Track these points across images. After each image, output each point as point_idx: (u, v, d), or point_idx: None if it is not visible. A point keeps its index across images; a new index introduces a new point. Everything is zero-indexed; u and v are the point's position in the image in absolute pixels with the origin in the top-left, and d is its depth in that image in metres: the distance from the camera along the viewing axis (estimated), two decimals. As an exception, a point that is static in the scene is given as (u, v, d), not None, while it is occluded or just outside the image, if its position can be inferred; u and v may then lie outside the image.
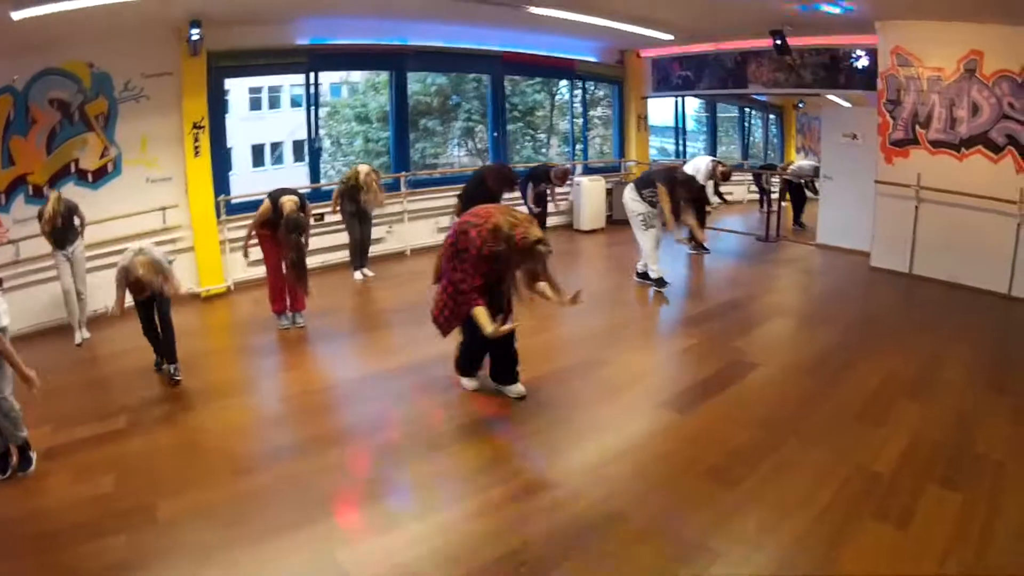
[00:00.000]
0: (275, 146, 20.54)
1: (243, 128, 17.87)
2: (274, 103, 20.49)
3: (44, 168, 6.67)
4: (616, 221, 10.45)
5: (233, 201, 7.59)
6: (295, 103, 18.92)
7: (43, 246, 5.98)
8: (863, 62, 8.39)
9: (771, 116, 16.06)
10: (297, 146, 19.32)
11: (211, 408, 4.37)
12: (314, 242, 6.68)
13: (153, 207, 7.07)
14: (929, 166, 7.33)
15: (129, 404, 4.40)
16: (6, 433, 3.47)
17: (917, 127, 7.39)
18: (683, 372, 4.77)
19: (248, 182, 9.87)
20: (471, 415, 4.05)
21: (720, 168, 8.46)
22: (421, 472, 3.36)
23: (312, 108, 8.33)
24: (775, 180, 10.77)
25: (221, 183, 7.48)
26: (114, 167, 6.99)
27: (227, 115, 8.06)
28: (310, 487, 3.24)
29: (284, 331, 5.91)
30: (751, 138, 15.86)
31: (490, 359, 4.28)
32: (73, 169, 6.81)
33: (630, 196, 6.65)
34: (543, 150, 16.60)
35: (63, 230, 5.87)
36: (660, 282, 6.72)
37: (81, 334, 6.08)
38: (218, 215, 7.37)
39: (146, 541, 2.85)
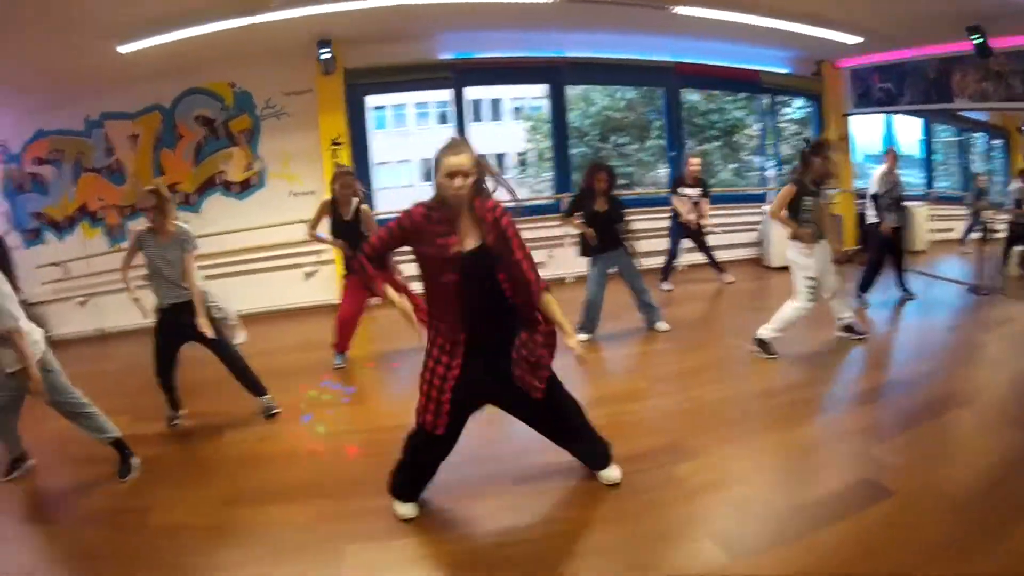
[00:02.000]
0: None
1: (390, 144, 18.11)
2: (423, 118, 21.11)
3: (192, 179, 7.40)
4: None
5: (377, 217, 7.40)
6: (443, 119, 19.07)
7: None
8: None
9: (995, 141, 12.85)
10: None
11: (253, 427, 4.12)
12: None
13: (296, 219, 7.12)
14: None
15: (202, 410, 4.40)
16: (90, 434, 3.53)
17: None
18: (782, 486, 3.15)
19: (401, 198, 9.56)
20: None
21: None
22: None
23: (458, 123, 7.92)
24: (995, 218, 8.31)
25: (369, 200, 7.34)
26: (259, 180, 7.40)
27: (372, 131, 7.94)
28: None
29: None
30: (971, 167, 12.77)
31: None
32: (219, 181, 7.35)
33: None
34: (747, 174, 14.51)
35: None
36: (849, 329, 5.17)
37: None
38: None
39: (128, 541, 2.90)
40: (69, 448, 3.83)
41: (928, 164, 11.50)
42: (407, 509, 2.89)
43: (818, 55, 9.01)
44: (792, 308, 4.79)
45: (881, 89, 8.90)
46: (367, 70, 7.13)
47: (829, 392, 4.33)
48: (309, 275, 7.22)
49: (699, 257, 7.49)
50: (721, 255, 7.73)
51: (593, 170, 5.31)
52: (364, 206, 5.00)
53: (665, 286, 7.15)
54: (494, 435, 3.52)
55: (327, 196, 5.05)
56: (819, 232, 4.78)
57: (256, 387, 4.20)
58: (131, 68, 6.37)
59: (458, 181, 2.51)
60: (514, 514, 2.86)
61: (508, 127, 21.51)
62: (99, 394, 3.69)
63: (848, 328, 5.12)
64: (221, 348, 4.07)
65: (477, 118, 22.62)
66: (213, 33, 5.78)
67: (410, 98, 20.39)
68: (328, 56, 6.74)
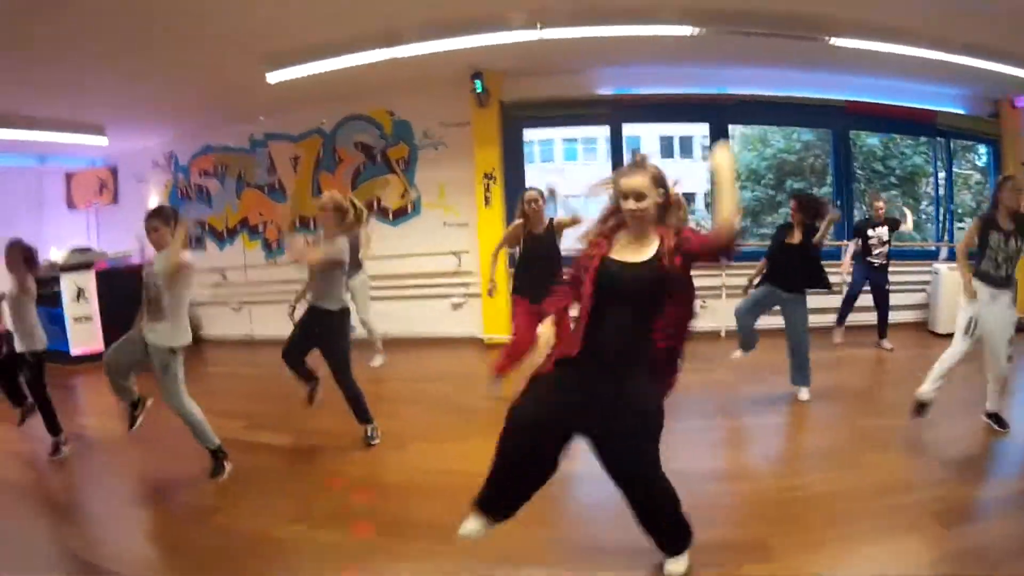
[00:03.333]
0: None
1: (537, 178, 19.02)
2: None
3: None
4: None
5: None
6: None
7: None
8: None
9: None
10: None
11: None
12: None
13: (447, 250, 7.42)
14: None
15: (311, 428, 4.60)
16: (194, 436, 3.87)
17: None
18: None
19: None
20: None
21: None
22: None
23: (613, 160, 7.81)
24: None
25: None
26: (413, 208, 7.63)
27: (528, 164, 7.96)
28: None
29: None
30: None
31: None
32: (375, 206, 7.61)
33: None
34: (929, 226, 13.33)
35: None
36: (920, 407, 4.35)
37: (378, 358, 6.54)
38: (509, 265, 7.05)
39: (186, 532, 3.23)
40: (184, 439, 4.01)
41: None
42: (470, 523, 2.65)
43: (994, 93, 8.32)
44: (947, 353, 4.27)
45: None
46: (523, 104, 7.17)
47: (968, 496, 3.48)
48: (457, 306, 7.36)
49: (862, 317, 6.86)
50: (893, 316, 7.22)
51: (798, 201, 5.08)
52: (557, 219, 5.07)
53: (837, 336, 6.66)
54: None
55: (517, 221, 5.05)
56: (1003, 279, 4.23)
57: (362, 415, 4.29)
58: (292, 92, 6.66)
59: (631, 203, 2.44)
60: None
61: (682, 165, 21.63)
62: (227, 395, 3.94)
63: (993, 416, 4.39)
64: (338, 370, 4.20)
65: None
66: (361, 65, 5.96)
67: (558, 133, 20.38)
68: (481, 90, 6.82)
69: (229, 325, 8.30)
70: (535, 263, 4.95)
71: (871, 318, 6.79)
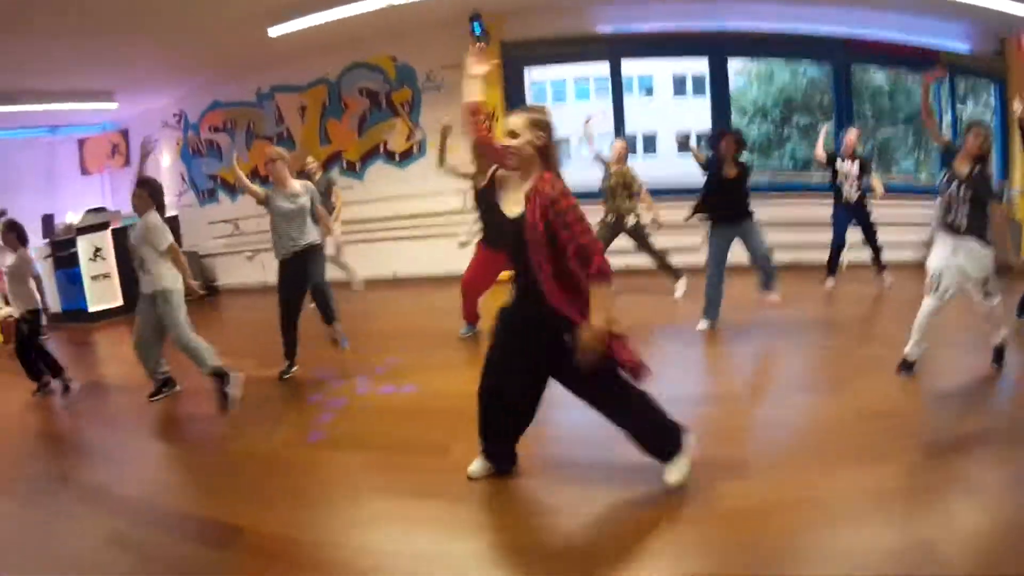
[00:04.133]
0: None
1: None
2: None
3: (356, 147, 7.96)
4: None
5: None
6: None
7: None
8: None
9: None
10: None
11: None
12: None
13: (454, 189, 7.45)
14: None
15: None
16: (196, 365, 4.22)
17: None
18: (825, 530, 2.59)
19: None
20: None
21: None
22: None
23: (617, 101, 7.85)
24: None
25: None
26: (419, 149, 7.84)
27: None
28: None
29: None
30: None
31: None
32: (382, 150, 7.86)
33: None
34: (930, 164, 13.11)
35: None
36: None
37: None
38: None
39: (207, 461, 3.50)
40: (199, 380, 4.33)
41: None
42: (474, 465, 2.92)
43: (1000, 30, 8.26)
44: (921, 309, 4.22)
45: None
46: (524, 43, 7.29)
47: (947, 428, 3.48)
48: (464, 244, 7.55)
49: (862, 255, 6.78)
50: (887, 255, 7.28)
51: (720, 135, 5.27)
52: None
53: (829, 283, 6.58)
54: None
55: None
56: (959, 227, 4.12)
57: (330, 315, 4.91)
58: (298, 44, 6.88)
59: (508, 140, 2.54)
60: (555, 502, 2.80)
61: (691, 103, 21.16)
62: (240, 337, 4.16)
63: (998, 351, 4.33)
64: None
65: (649, 93, 22.29)
66: (361, 13, 6.16)
67: (570, 72, 20.32)
68: (478, 31, 6.91)
69: (245, 274, 8.56)
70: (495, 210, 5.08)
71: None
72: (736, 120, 14.61)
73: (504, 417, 2.84)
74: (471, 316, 5.35)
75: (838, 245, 6.62)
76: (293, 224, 4.48)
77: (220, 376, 4.03)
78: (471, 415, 2.88)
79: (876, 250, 6.54)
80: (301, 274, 4.59)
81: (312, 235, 4.61)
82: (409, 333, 5.70)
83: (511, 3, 6.84)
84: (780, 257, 5.67)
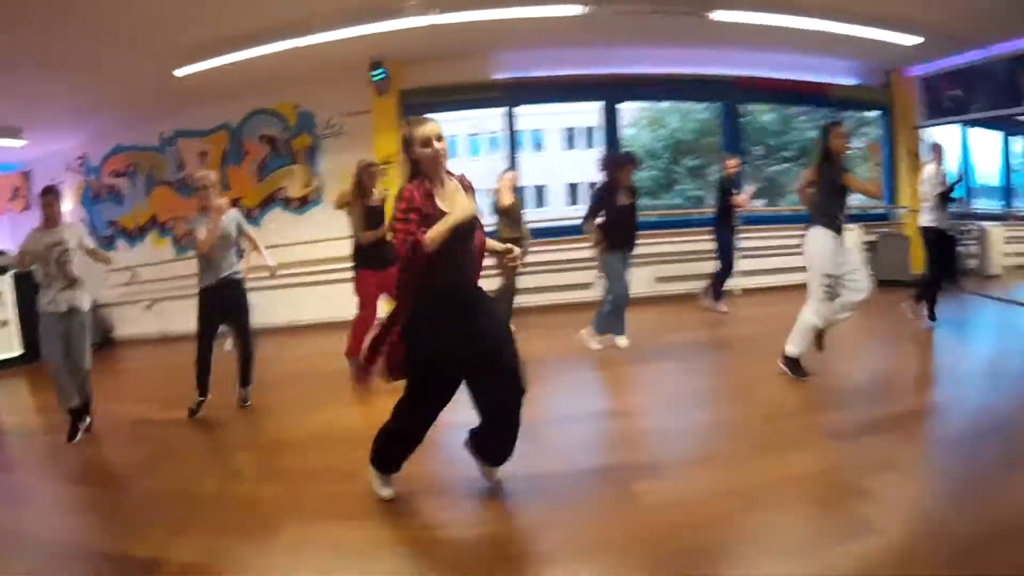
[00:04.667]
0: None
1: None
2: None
3: (255, 194, 7.93)
4: (879, 282, 8.51)
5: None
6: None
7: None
8: None
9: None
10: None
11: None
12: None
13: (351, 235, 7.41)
14: None
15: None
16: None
17: None
18: (741, 516, 2.73)
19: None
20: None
21: None
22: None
23: (513, 146, 8.12)
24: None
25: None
26: (317, 196, 7.83)
27: None
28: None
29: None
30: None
31: (480, 413, 2.98)
32: (279, 196, 7.88)
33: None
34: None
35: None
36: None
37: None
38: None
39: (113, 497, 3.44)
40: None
41: (1007, 180, 10.58)
42: (383, 487, 3.01)
43: (884, 64, 8.74)
44: (806, 314, 4.45)
45: (951, 97, 8.42)
46: (421, 90, 7.43)
47: (843, 418, 3.77)
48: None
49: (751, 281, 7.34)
50: (777, 279, 7.63)
51: (621, 161, 5.40)
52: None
53: (722, 307, 6.94)
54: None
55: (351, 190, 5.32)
56: (844, 221, 4.50)
57: (248, 378, 4.72)
58: (202, 88, 6.92)
59: (438, 144, 2.67)
60: (457, 510, 2.95)
61: (580, 155, 21.93)
62: (141, 386, 4.09)
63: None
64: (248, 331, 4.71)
65: (538, 147, 23.11)
66: (267, 56, 6.22)
67: (462, 128, 20.82)
68: (379, 78, 7.09)
69: (142, 324, 8.35)
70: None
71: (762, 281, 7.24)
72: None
73: (418, 440, 2.95)
74: (358, 352, 5.12)
75: (730, 263, 6.99)
76: (220, 251, 4.43)
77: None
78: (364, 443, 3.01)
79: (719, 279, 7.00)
80: (224, 305, 4.52)
81: (237, 267, 4.60)
82: (306, 374, 5.74)
83: (410, 51, 6.98)
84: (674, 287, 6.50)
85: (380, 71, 7.08)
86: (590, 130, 20.30)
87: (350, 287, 5.46)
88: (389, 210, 4.95)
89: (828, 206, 4.44)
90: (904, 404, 4.07)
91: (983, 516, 2.57)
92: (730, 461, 3.20)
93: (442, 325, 2.72)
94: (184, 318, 7.43)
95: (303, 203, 7.76)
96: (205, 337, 4.53)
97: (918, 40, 7.22)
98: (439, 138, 2.68)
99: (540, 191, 23.30)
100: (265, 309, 7.16)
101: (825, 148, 4.43)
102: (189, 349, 4.61)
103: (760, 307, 7.19)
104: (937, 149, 6.21)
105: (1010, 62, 7.46)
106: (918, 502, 2.79)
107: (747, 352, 5.51)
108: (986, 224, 8.83)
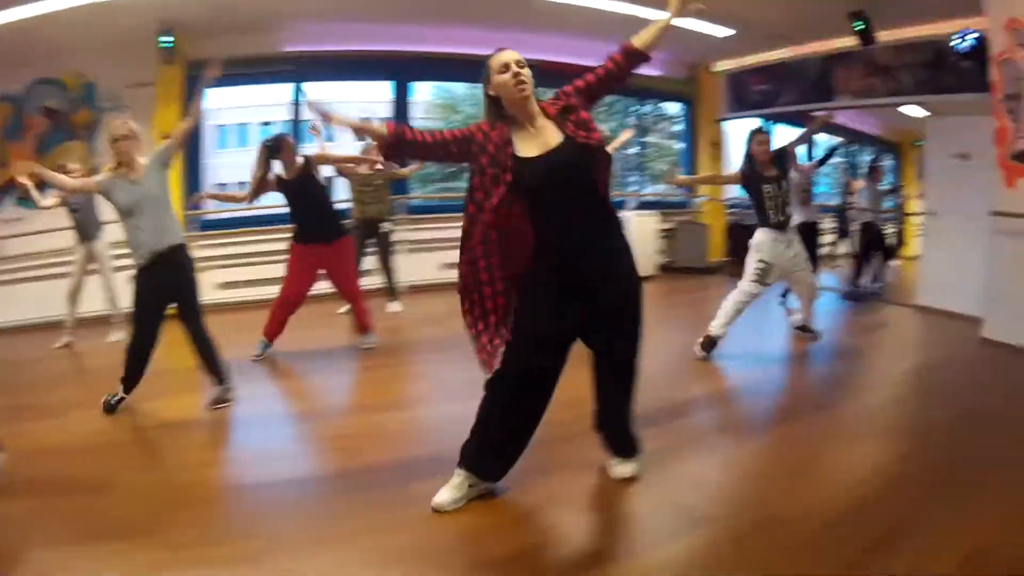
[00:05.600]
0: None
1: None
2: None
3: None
4: (675, 269, 9.07)
5: (206, 217, 7.66)
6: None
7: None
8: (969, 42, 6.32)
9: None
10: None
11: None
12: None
13: None
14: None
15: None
16: None
17: (1052, 129, 5.38)
18: (546, 514, 2.71)
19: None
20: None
21: None
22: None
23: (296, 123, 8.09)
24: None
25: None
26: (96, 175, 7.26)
27: (210, 124, 8.05)
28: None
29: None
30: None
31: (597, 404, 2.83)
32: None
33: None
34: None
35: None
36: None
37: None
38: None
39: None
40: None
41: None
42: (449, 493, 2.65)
43: (692, 57, 9.17)
44: (737, 294, 4.98)
45: (758, 92, 8.97)
46: (208, 62, 7.06)
47: (656, 405, 3.76)
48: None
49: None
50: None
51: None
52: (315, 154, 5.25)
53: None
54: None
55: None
56: (785, 222, 4.98)
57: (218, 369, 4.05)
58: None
59: (510, 75, 2.43)
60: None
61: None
62: None
63: (802, 328, 5.49)
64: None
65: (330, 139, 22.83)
66: (50, 18, 5.94)
67: (254, 116, 20.21)
68: (169, 45, 6.90)
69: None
70: (299, 209, 5.02)
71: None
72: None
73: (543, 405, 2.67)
74: (276, 332, 5.06)
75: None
76: (143, 218, 3.77)
77: None
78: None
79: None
80: (161, 286, 3.85)
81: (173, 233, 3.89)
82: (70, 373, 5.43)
83: (199, 19, 6.80)
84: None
85: (167, 38, 6.90)
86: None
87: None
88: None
89: (756, 206, 5.01)
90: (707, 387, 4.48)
91: (813, 500, 2.72)
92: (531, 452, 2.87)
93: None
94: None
95: (83, 182, 7.44)
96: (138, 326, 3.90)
97: (730, 32, 7.69)
98: (520, 64, 2.45)
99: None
100: (25, 300, 6.91)
101: (747, 152, 4.99)
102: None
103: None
104: (876, 171, 7.94)
105: (823, 59, 7.98)
106: (732, 486, 2.98)
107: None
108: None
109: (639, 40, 2.62)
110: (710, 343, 4.90)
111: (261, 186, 4.92)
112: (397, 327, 6.28)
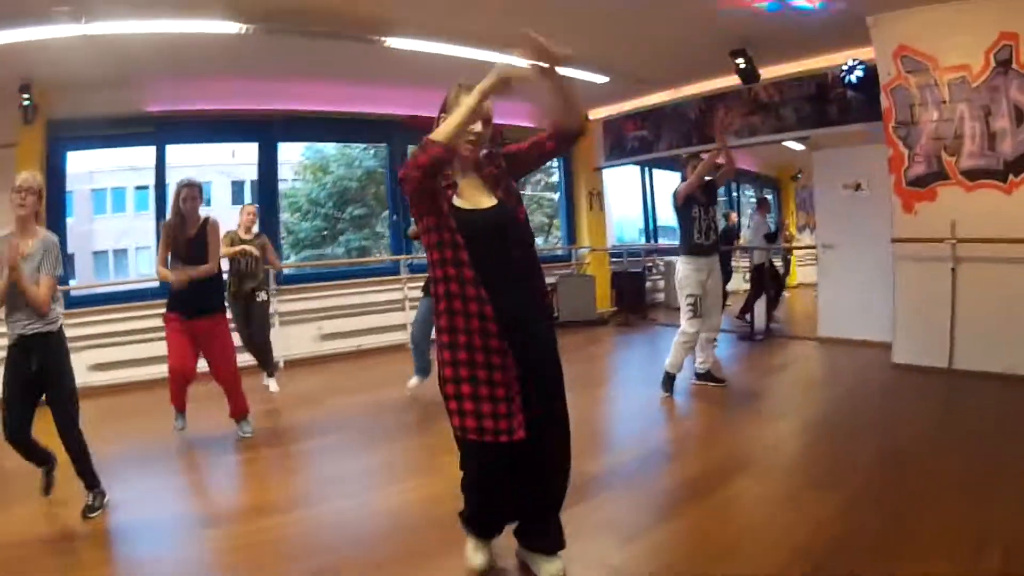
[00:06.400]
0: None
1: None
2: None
3: None
4: (564, 323, 8.83)
5: (73, 292, 7.24)
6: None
7: None
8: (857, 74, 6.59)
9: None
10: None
11: None
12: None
13: None
14: (966, 207, 5.45)
15: None
16: None
17: (943, 154, 5.58)
18: None
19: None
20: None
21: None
22: None
23: (159, 187, 7.52)
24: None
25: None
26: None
27: (73, 191, 7.78)
28: None
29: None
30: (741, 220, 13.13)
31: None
32: None
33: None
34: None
35: None
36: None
37: None
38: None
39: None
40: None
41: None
42: (477, 555, 2.51)
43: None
44: (683, 337, 4.95)
45: (636, 137, 9.20)
46: (69, 122, 6.83)
47: (594, 470, 3.56)
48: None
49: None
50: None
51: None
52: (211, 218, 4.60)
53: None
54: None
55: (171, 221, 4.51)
56: (713, 247, 5.02)
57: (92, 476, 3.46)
58: None
59: (479, 127, 2.24)
60: None
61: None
62: None
63: (707, 375, 5.29)
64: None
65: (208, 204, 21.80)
66: None
67: (130, 181, 19.42)
68: (28, 103, 6.45)
69: None
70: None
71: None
72: (289, 218, 15.92)
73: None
74: (181, 402, 4.60)
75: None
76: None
77: None
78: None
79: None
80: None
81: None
82: None
83: (60, 77, 6.39)
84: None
85: (25, 96, 6.42)
86: (255, 182, 19.88)
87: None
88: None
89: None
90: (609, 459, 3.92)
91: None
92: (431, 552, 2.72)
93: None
94: None
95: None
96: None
97: (604, 79, 7.74)
98: (488, 121, 2.28)
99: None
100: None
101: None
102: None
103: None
104: (764, 203, 8.52)
105: (704, 101, 8.28)
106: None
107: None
108: (671, 258, 9.48)
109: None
110: (669, 380, 4.94)
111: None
112: (274, 409, 5.67)
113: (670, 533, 2.89)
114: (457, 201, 2.28)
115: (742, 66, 7.00)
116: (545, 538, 2.45)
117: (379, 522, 3.18)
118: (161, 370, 4.86)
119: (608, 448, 4.27)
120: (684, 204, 4.99)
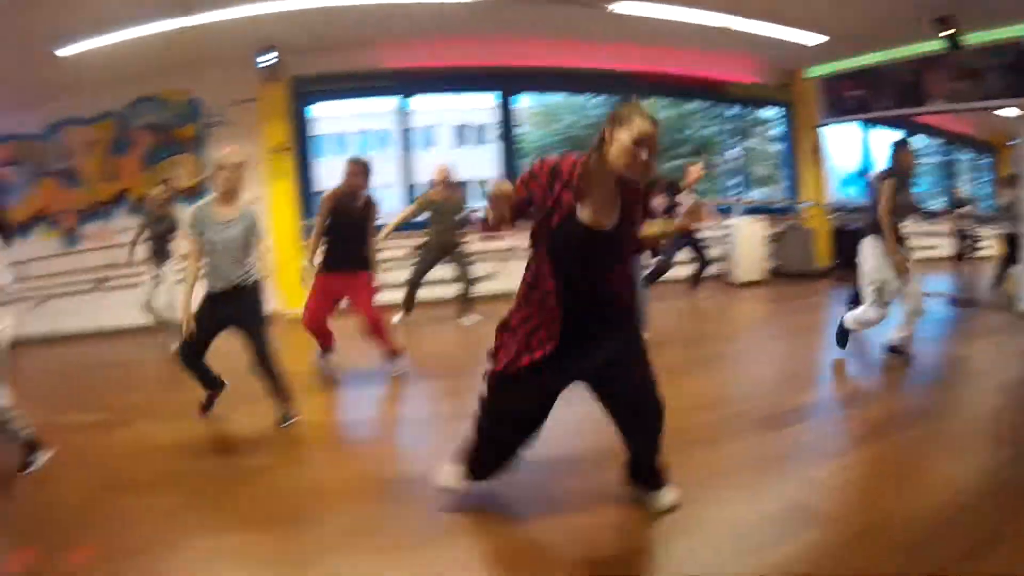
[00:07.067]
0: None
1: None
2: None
3: (144, 184, 7.55)
4: (783, 274, 8.89)
5: None
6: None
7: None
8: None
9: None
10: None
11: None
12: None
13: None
14: None
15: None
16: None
17: None
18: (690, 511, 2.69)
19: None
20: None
21: None
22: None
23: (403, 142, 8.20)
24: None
25: (310, 206, 7.66)
26: (206, 187, 7.57)
27: (314, 139, 8.22)
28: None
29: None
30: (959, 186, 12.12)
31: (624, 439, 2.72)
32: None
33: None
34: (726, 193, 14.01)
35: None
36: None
37: None
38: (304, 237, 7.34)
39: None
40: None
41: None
42: (451, 476, 2.74)
43: (786, 63, 9.01)
44: (859, 312, 4.72)
45: (852, 97, 8.79)
46: (312, 78, 7.43)
47: (767, 410, 3.90)
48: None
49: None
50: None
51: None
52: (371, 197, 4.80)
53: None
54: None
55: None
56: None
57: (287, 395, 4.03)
58: (88, 73, 6.75)
59: (644, 154, 2.18)
60: None
61: (472, 152, 20.70)
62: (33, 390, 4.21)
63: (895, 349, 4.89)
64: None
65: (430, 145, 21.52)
66: (154, 38, 6.12)
67: (352, 125, 19.83)
68: (271, 63, 6.99)
69: (29, 324, 7.94)
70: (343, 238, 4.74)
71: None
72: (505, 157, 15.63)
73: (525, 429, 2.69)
74: (328, 342, 4.89)
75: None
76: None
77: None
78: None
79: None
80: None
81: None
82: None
83: (301, 37, 6.89)
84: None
85: (270, 56, 6.98)
86: (481, 127, 19.77)
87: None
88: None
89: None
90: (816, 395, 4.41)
91: (918, 505, 2.69)
92: (669, 453, 2.80)
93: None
94: (76, 316, 7.37)
95: (194, 193, 7.46)
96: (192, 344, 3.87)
97: (822, 39, 7.53)
98: (654, 145, 2.20)
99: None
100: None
101: (894, 165, 4.62)
102: (82, 350, 4.30)
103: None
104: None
105: (913, 64, 7.77)
106: (849, 488, 2.97)
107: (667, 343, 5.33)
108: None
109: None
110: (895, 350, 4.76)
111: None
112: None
113: (858, 458, 3.29)
114: (579, 211, 2.33)
115: (945, 34, 6.74)
116: (657, 478, 2.71)
117: None
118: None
119: (810, 386, 4.62)
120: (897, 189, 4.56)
